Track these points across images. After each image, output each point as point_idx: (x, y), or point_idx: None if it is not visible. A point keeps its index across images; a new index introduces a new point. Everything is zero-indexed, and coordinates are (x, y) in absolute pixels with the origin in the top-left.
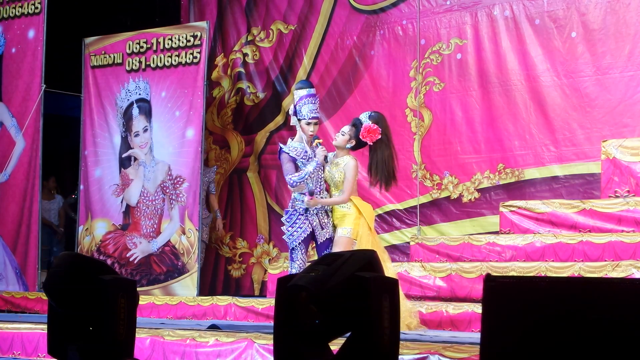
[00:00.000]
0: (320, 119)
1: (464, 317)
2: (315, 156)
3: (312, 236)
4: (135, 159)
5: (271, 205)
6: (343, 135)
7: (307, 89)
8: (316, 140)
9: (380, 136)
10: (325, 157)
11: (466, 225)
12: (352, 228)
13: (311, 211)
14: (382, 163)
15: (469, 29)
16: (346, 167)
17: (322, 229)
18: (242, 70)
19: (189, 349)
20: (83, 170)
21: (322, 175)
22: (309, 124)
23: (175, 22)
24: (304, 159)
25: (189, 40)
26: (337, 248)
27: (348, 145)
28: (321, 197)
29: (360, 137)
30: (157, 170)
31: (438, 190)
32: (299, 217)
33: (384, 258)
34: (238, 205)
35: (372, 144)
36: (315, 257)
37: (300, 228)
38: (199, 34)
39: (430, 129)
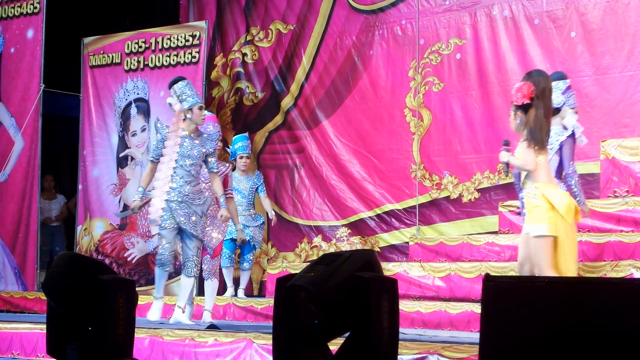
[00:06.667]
0: None
1: (463, 317)
2: None
3: None
4: (132, 158)
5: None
6: (510, 116)
7: None
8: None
9: (534, 89)
10: None
11: (465, 225)
12: (548, 224)
13: None
14: (539, 120)
15: (468, 29)
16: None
17: None
18: (241, 70)
19: (188, 348)
20: (82, 170)
21: None
22: None
23: (174, 21)
24: None
25: (188, 40)
26: (534, 253)
27: (518, 121)
28: None
29: (515, 104)
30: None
31: (437, 190)
32: None
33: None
34: None
35: (530, 101)
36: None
37: None
38: (197, 33)
39: (429, 129)
